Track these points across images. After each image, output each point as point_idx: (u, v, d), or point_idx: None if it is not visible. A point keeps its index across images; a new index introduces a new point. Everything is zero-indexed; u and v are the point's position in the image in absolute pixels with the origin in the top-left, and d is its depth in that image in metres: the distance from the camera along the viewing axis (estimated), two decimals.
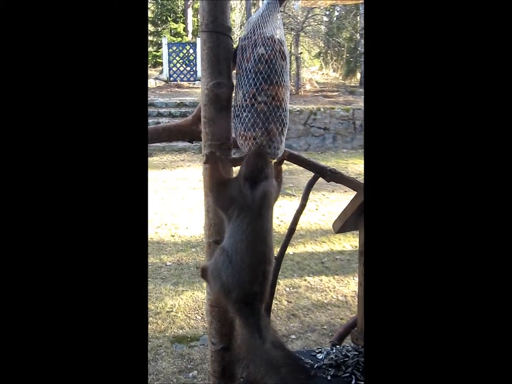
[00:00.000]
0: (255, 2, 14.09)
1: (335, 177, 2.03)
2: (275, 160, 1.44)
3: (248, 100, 1.37)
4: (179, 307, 3.56)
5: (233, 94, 1.44)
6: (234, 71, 1.46)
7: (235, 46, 1.44)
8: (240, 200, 1.24)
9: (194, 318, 3.40)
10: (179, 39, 16.19)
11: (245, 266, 1.20)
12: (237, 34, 15.36)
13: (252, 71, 1.36)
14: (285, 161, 1.77)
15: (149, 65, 15.48)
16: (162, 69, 14.32)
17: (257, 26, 1.39)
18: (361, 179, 1.60)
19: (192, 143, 2.04)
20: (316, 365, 1.42)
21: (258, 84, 1.35)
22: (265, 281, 1.24)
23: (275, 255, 2.04)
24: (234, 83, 1.43)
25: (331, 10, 15.70)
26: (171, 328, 3.27)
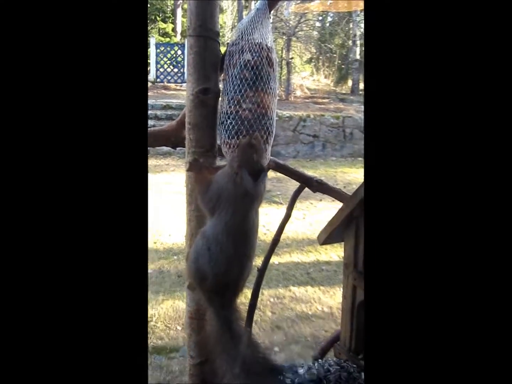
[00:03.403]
0: (247, 4, 14.08)
1: (321, 187, 2.01)
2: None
3: (232, 107, 1.31)
4: (159, 316, 3.45)
5: (219, 100, 1.39)
6: (221, 77, 1.40)
7: (223, 50, 1.39)
8: (229, 189, 1.19)
9: (174, 329, 3.31)
10: (168, 39, 15.99)
11: (222, 256, 1.18)
12: (227, 36, 15.30)
13: (237, 77, 1.30)
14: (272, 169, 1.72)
15: None
16: (149, 69, 14.15)
17: (246, 32, 1.34)
18: (350, 188, 1.54)
19: (175, 149, 1.97)
20: (296, 379, 1.38)
21: (243, 91, 1.30)
22: (240, 276, 1.23)
23: (258, 266, 2.00)
24: (221, 89, 1.38)
25: (324, 16, 15.76)
26: (150, 338, 3.16)
